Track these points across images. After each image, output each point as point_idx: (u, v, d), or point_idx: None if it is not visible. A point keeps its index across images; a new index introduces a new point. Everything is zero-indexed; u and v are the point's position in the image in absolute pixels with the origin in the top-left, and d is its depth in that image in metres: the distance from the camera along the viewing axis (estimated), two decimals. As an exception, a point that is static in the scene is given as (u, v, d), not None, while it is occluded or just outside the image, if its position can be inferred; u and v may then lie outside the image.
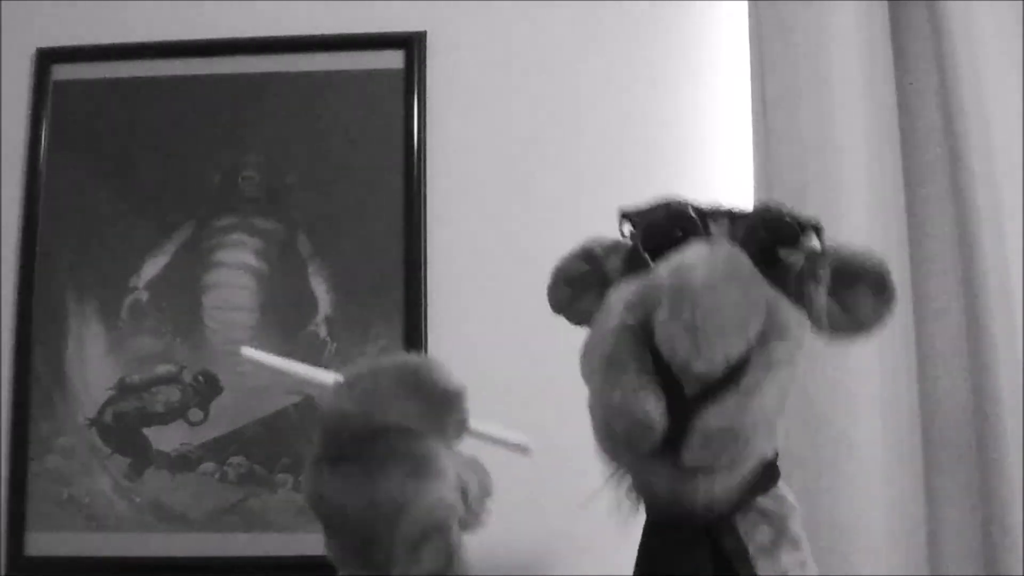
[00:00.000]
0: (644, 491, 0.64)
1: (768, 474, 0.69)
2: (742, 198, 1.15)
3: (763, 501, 0.68)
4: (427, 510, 0.60)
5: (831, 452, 1.05)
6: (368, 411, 0.62)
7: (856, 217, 1.09)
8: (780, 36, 1.17)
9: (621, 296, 0.64)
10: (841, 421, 1.06)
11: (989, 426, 1.06)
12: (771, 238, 0.65)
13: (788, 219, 0.66)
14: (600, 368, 0.62)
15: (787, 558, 0.67)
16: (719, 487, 0.61)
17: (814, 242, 0.67)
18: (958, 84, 1.11)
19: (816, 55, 1.14)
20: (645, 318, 0.60)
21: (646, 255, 0.66)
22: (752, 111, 1.18)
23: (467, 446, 0.70)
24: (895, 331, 1.09)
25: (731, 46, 1.25)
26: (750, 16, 1.21)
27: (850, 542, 1.03)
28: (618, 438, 0.60)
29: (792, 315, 0.64)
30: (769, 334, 0.60)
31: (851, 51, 1.13)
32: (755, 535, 0.67)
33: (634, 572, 0.70)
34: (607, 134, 1.26)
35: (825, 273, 0.68)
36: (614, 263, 0.74)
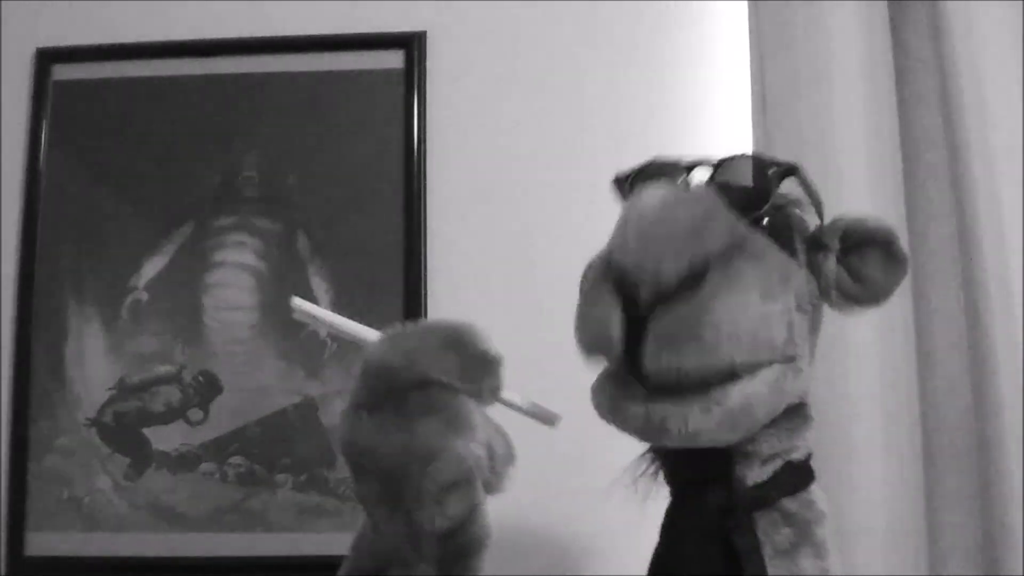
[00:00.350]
0: (623, 424, 0.66)
1: (795, 475, 0.69)
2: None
3: (788, 503, 0.68)
4: (457, 460, 0.62)
5: (831, 452, 1.05)
6: (411, 364, 0.64)
7: (856, 217, 1.09)
8: (780, 35, 1.17)
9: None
10: (841, 421, 1.06)
11: (989, 426, 1.06)
12: (743, 180, 0.67)
13: (756, 161, 0.67)
14: (580, 298, 0.66)
15: (807, 563, 0.67)
16: (693, 422, 0.62)
17: (790, 188, 0.68)
18: (958, 84, 1.11)
19: (816, 55, 1.14)
20: (608, 249, 0.63)
21: None
22: (752, 111, 1.18)
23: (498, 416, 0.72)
24: (895, 331, 1.09)
25: (731, 46, 1.25)
26: (750, 16, 1.21)
27: (850, 542, 1.03)
28: (588, 353, 0.64)
29: (770, 250, 0.65)
30: (733, 253, 0.61)
31: (851, 51, 1.13)
32: (774, 536, 0.67)
33: (650, 565, 0.71)
34: (607, 133, 1.26)
35: (833, 241, 0.69)
36: None
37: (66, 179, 1.29)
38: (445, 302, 1.23)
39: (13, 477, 1.23)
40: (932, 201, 1.15)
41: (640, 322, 0.60)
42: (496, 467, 0.66)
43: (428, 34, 1.29)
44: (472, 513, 0.62)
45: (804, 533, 0.67)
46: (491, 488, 0.66)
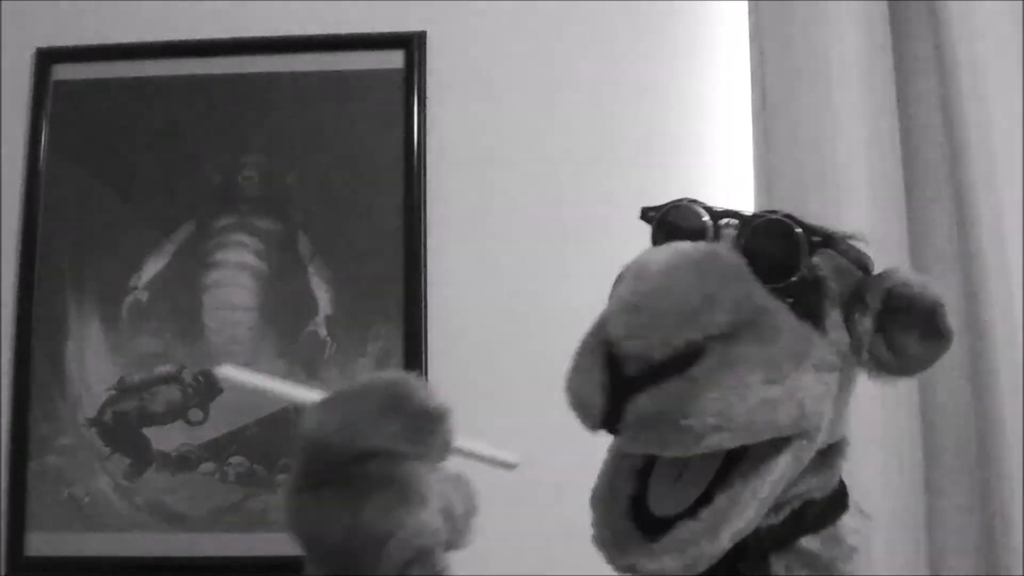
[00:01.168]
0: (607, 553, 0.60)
1: (818, 512, 0.63)
2: (742, 197, 1.15)
3: (808, 542, 0.63)
4: (412, 538, 0.58)
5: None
6: (350, 435, 0.60)
7: (856, 217, 1.09)
8: (780, 36, 1.17)
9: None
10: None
11: (989, 426, 1.06)
12: (772, 247, 0.60)
13: (791, 230, 0.60)
14: (572, 361, 0.61)
15: None
16: (674, 561, 0.57)
17: (827, 255, 0.61)
18: (958, 84, 1.11)
19: (816, 55, 1.14)
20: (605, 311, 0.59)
21: None
22: (752, 111, 1.18)
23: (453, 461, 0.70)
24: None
25: (731, 46, 1.25)
26: (750, 16, 1.21)
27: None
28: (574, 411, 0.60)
29: (788, 323, 0.59)
30: (741, 332, 0.56)
31: (851, 51, 1.13)
32: None
33: None
34: (607, 133, 1.26)
35: (874, 300, 0.62)
36: None
37: (66, 179, 1.29)
38: (445, 303, 1.23)
39: (13, 477, 1.23)
40: (932, 201, 1.15)
41: (624, 394, 0.55)
42: (457, 526, 0.62)
43: (428, 34, 1.29)
44: None
45: (827, 573, 0.62)
46: (453, 547, 0.62)
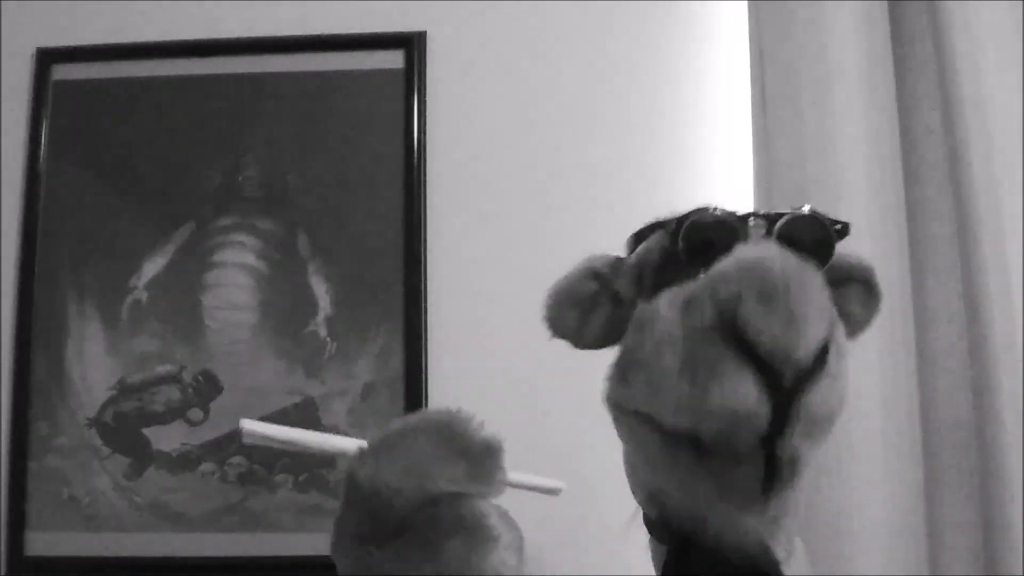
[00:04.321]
0: (718, 542, 0.60)
1: None
2: (741, 197, 1.15)
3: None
4: None
5: (831, 452, 1.05)
6: (416, 481, 0.58)
7: (856, 217, 1.09)
8: (780, 36, 1.17)
9: (674, 302, 0.61)
10: (841, 421, 1.05)
11: (989, 426, 1.06)
12: (811, 241, 0.64)
13: (824, 223, 0.66)
14: (676, 375, 0.59)
15: (794, 564, 0.67)
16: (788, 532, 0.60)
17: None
18: (958, 84, 1.11)
19: (816, 55, 1.14)
20: (721, 320, 0.57)
21: (688, 262, 0.63)
22: (752, 111, 1.18)
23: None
24: (895, 331, 1.09)
25: (731, 46, 1.25)
26: (750, 16, 1.21)
27: (850, 542, 1.03)
28: (713, 434, 0.58)
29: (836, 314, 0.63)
30: (835, 323, 0.60)
31: (851, 51, 1.13)
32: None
33: None
34: (607, 134, 1.26)
35: None
36: (625, 283, 0.71)
37: (66, 179, 1.29)
38: (445, 302, 1.23)
39: (13, 477, 1.23)
40: (932, 201, 1.15)
41: (788, 397, 0.56)
42: (522, 558, 0.62)
43: (428, 34, 1.29)
44: None
45: (789, 551, 0.67)
46: None
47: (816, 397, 0.57)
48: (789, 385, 0.56)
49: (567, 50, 1.29)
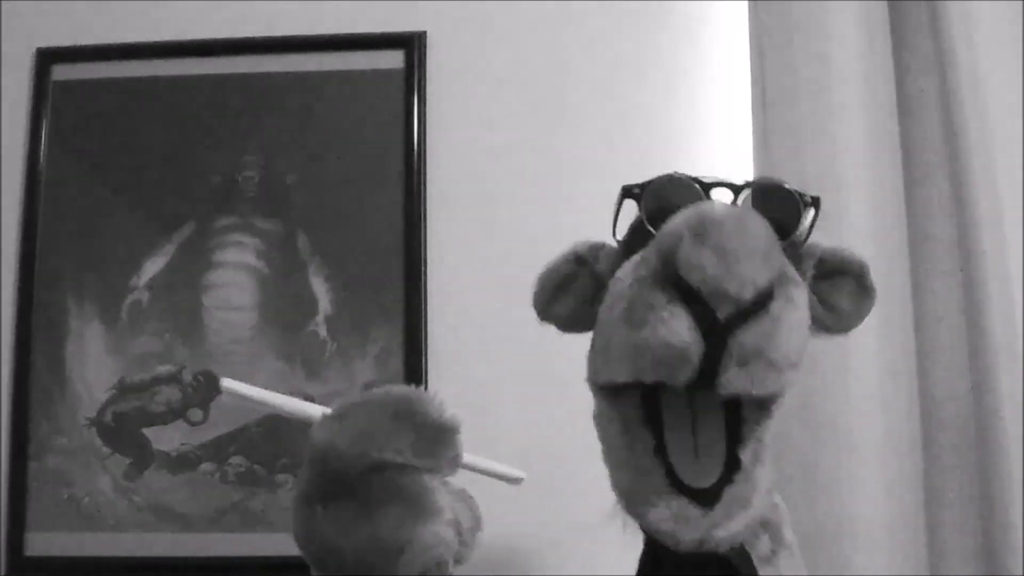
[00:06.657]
0: (666, 536, 0.60)
1: None
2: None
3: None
4: (426, 549, 0.60)
5: (831, 452, 1.05)
6: (363, 447, 0.61)
7: (856, 217, 1.09)
8: (780, 36, 1.17)
9: (629, 263, 0.63)
10: (841, 421, 1.06)
11: (989, 425, 1.06)
12: (774, 209, 0.65)
13: (790, 191, 0.66)
14: (619, 322, 0.60)
15: (785, 564, 0.67)
16: (738, 524, 0.59)
17: (811, 216, 0.67)
18: (958, 84, 1.11)
19: (816, 55, 1.14)
20: (662, 264, 0.58)
21: (650, 227, 0.65)
22: (752, 110, 1.18)
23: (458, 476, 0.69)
24: (895, 331, 1.09)
25: (731, 46, 1.25)
26: (750, 16, 1.21)
27: (850, 542, 1.03)
28: (651, 372, 0.58)
29: (798, 277, 0.63)
30: (785, 277, 0.60)
31: (851, 51, 1.13)
32: (757, 546, 0.66)
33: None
34: (607, 133, 1.26)
35: (808, 267, 0.69)
36: (605, 265, 0.73)
37: (66, 179, 1.29)
38: (445, 302, 1.23)
39: (13, 477, 1.23)
40: (932, 201, 1.15)
41: (721, 335, 0.56)
42: (464, 539, 0.64)
43: (428, 34, 1.29)
44: None
45: (778, 538, 0.68)
46: (461, 559, 0.63)
47: (750, 334, 0.56)
48: (724, 320, 0.56)
49: (566, 51, 1.29)
